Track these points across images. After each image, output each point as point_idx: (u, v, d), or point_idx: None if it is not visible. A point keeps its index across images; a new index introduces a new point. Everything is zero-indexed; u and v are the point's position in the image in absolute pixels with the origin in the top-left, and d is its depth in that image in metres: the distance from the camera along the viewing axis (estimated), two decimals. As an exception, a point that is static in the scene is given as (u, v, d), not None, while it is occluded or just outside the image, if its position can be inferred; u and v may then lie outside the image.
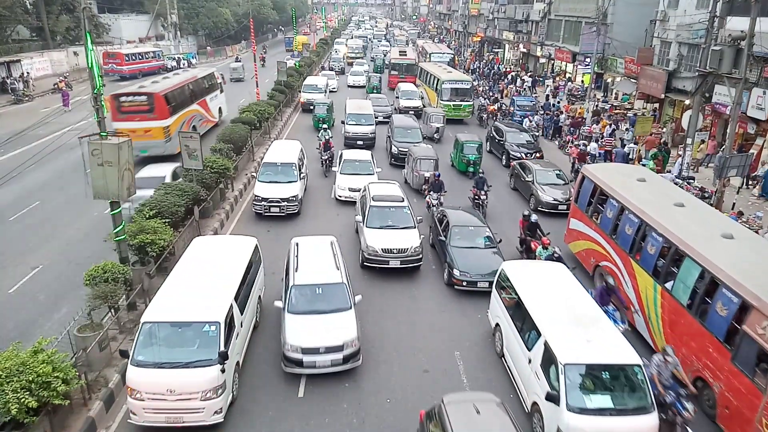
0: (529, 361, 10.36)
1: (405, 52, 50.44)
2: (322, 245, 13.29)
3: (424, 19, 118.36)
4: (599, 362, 9.49)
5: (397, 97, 36.57)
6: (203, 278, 11.26)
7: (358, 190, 19.11)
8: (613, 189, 14.83)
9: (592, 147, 26.06)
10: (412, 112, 32.93)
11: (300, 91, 38.00)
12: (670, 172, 22.80)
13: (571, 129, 30.74)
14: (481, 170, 20.15)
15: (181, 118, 25.64)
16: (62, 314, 13.00)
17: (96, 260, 12.86)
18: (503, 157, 26.18)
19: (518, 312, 11.25)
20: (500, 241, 15.97)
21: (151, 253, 13.68)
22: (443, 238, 15.68)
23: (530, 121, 30.88)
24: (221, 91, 32.66)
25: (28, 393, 8.42)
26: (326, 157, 23.66)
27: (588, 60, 37.72)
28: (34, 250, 16.40)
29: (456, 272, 14.51)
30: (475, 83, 42.61)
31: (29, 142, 22.93)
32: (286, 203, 18.60)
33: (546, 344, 9.83)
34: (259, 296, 13.19)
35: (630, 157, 24.97)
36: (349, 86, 46.36)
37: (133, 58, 49.90)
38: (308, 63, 52.41)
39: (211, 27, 70.42)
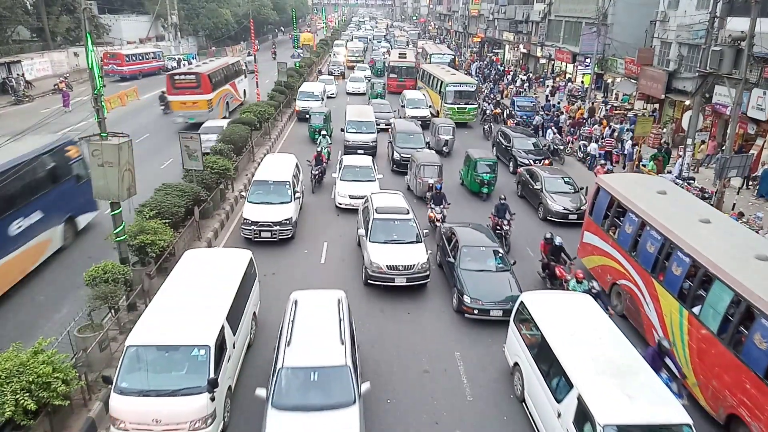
0: (558, 415, 9.03)
1: (405, 54, 48.21)
2: (325, 305, 10.81)
3: (425, 20, 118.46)
4: (644, 422, 8.17)
5: (403, 106, 33.95)
6: (193, 296, 10.55)
7: (359, 198, 18.47)
8: (632, 202, 13.72)
9: (593, 147, 26.11)
10: (420, 122, 29.97)
11: (295, 99, 35.50)
12: (670, 172, 22.82)
13: (572, 129, 30.75)
14: (503, 195, 17.71)
15: (219, 94, 31.96)
16: (62, 315, 12.99)
17: (96, 260, 12.87)
18: (510, 164, 25.01)
19: (543, 354, 9.90)
20: (514, 263, 14.78)
21: (151, 253, 13.69)
22: (452, 260, 14.42)
23: (554, 133, 28.23)
24: (245, 76, 38.83)
25: (27, 394, 8.40)
26: (317, 171, 21.71)
27: (588, 60, 37.75)
28: (34, 251, 16.37)
29: (467, 299, 13.22)
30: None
31: (29, 143, 22.87)
32: (278, 227, 16.79)
33: (580, 398, 8.55)
34: (254, 312, 12.49)
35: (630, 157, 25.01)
36: (348, 93, 43.16)
37: (134, 58, 49.96)
38: (308, 63, 52.45)
39: (212, 28, 70.43)
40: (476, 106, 33.80)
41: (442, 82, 33.90)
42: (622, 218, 14.23)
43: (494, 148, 27.15)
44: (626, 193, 14.29)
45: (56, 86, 40.71)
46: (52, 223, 15.43)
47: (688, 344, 11.06)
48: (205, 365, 9.11)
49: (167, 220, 15.08)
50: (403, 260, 14.37)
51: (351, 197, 19.44)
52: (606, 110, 33.49)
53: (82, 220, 17.13)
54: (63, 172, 16.18)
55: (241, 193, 20.64)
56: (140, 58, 51.08)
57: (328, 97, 37.49)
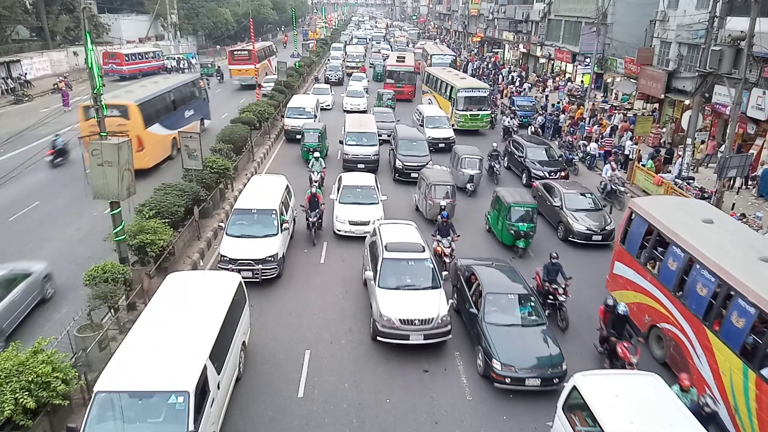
0: None
1: (403, 58, 44.08)
2: None
3: (424, 20, 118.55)
4: None
5: (421, 124, 28.82)
6: (173, 330, 9.46)
7: (360, 224, 17.09)
8: (676, 233, 11.87)
9: (592, 147, 26.12)
10: (443, 145, 26.59)
11: (283, 116, 30.62)
12: (669, 172, 22.84)
13: (572, 129, 30.77)
14: (554, 254, 13.66)
15: (261, 66, 45.30)
16: (62, 314, 12.99)
17: (96, 260, 12.87)
18: (523, 175, 23.22)
19: None
20: (549, 314, 12.85)
21: (151, 253, 13.68)
22: (475, 311, 12.08)
23: (613, 169, 22.09)
24: (275, 56, 52.82)
25: (27, 393, 8.39)
26: (314, 218, 17.03)
27: (588, 60, 37.75)
28: (33, 251, 16.37)
29: (496, 365, 10.81)
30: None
31: (29, 142, 22.93)
32: (261, 266, 14.35)
33: None
34: (244, 342, 11.43)
35: (630, 157, 25.03)
36: (345, 111, 35.44)
37: (133, 58, 49.94)
38: (308, 63, 52.44)
39: (211, 27, 70.53)
40: (489, 112, 31.89)
41: (452, 87, 31.94)
42: (662, 250, 12.38)
43: (506, 158, 25.38)
44: (667, 222, 12.37)
45: (56, 86, 40.74)
46: (196, 118, 28.71)
47: (756, 414, 9.15)
48: (184, 414, 8.04)
49: (167, 220, 15.07)
50: (420, 312, 11.96)
51: (351, 223, 17.41)
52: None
53: (206, 122, 30.16)
54: (199, 92, 29.90)
55: (219, 226, 17.23)
56: (140, 57, 51.05)
57: (322, 109, 33.75)
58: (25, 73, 41.77)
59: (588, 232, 17.55)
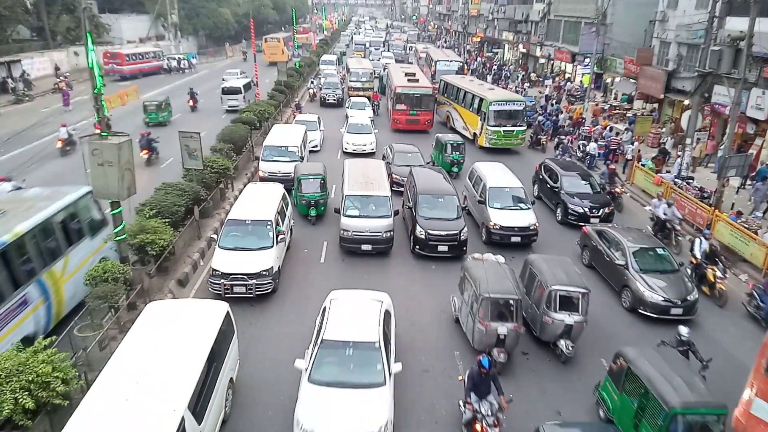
0: None
1: (414, 74, 33.89)
2: None
3: (424, 20, 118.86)
4: None
5: (481, 201, 17.76)
6: (148, 373, 8.37)
7: None
8: None
9: (592, 147, 26.15)
10: (518, 239, 16.88)
11: (258, 158, 22.89)
12: (668, 172, 22.88)
13: (571, 129, 30.80)
14: None
15: (311, 37, 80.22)
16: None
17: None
18: (558, 211, 19.37)
19: None
20: None
21: (152, 252, 13.72)
22: None
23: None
24: (314, 33, 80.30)
25: (27, 393, 8.41)
26: None
27: (587, 60, 37.81)
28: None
29: None
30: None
31: (30, 142, 22.97)
32: (255, 281, 13.30)
33: None
34: (232, 378, 10.34)
35: (629, 157, 25.07)
36: (346, 152, 26.52)
37: (134, 58, 50.06)
38: (308, 63, 52.44)
39: (212, 27, 70.71)
40: (525, 128, 28.28)
41: (482, 100, 28.20)
42: None
43: (535, 186, 21.58)
44: None
45: (56, 85, 40.78)
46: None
47: None
48: None
49: (167, 220, 15.10)
50: None
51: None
52: (606, 110, 33.03)
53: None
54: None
55: (211, 237, 16.50)
56: (140, 57, 51.17)
57: (310, 151, 25.27)
58: (27, 73, 41.76)
59: (665, 304, 13.28)
